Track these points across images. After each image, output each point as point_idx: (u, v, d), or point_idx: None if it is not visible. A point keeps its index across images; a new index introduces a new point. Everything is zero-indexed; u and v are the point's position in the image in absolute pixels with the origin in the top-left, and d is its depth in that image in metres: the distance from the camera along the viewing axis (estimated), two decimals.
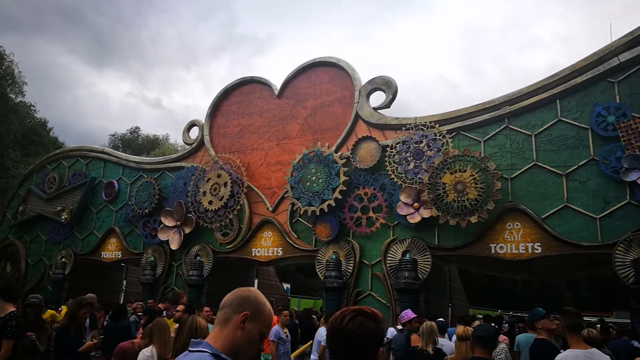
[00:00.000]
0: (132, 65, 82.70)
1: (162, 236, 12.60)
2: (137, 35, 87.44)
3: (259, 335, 1.65)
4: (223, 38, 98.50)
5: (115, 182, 14.46)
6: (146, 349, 3.99)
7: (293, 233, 11.11)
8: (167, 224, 12.53)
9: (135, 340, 4.63)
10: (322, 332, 7.15)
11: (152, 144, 43.22)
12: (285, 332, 7.36)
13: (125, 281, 16.66)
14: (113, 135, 43.74)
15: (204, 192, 12.06)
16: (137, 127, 45.29)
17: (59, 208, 15.09)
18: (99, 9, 79.29)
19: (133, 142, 42.79)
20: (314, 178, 10.59)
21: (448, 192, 8.90)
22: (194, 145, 13.30)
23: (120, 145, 41.76)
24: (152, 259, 12.77)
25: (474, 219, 8.56)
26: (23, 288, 15.09)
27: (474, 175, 8.82)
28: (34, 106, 28.54)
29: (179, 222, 12.37)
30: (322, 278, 10.25)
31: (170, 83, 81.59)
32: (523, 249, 8.61)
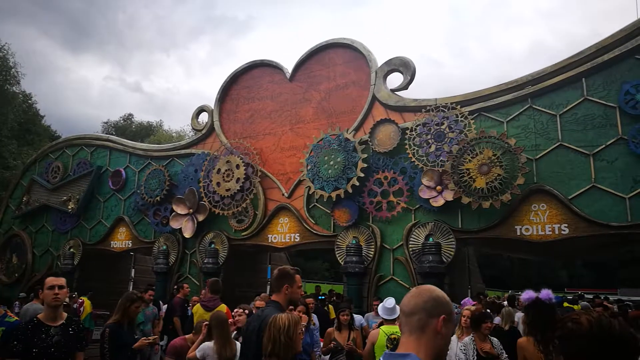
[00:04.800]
0: (110, 50, 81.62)
1: (174, 224, 12.41)
2: (113, 18, 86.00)
3: None
4: (202, 20, 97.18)
5: (123, 170, 14.19)
6: (209, 342, 3.85)
7: (310, 219, 10.97)
8: (179, 211, 12.34)
9: (187, 336, 4.49)
10: None
11: (145, 131, 42.73)
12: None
13: (133, 270, 16.47)
14: (106, 123, 43.26)
15: (217, 179, 11.85)
16: (130, 114, 44.78)
17: (64, 198, 14.81)
18: None
19: (127, 129, 42.21)
20: (331, 162, 10.41)
21: (474, 177, 8.77)
22: (203, 132, 13.02)
23: (114, 133, 41.19)
24: (164, 247, 12.59)
25: (506, 197, 8.45)
26: (30, 279, 14.90)
27: (496, 154, 8.70)
28: (30, 96, 27.91)
29: (191, 210, 12.17)
30: (342, 263, 10.14)
31: (150, 67, 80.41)
32: (549, 231, 8.54)
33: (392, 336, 4.76)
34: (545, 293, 4.24)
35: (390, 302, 5.25)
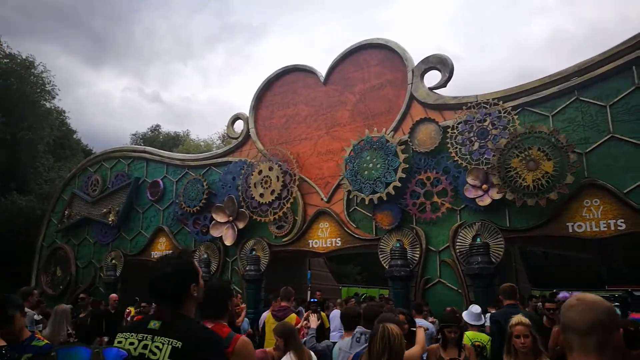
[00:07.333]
0: (128, 62, 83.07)
1: (214, 232, 12.47)
2: (131, 31, 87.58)
3: None
4: (217, 28, 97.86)
5: (160, 181, 14.36)
6: (285, 356, 3.78)
7: (351, 222, 10.87)
8: (218, 220, 12.39)
9: (267, 349, 4.43)
10: None
11: (173, 141, 43.29)
12: None
13: None
14: (134, 135, 44.05)
15: (255, 186, 11.86)
16: (157, 125, 45.47)
17: (104, 210, 15.07)
18: (92, 9, 79.46)
19: (154, 140, 42.88)
20: (370, 165, 10.29)
21: (521, 174, 8.53)
22: (239, 139, 13.07)
23: (142, 144, 41.81)
24: (205, 256, 12.66)
25: (553, 196, 8.20)
26: (75, 291, 15.19)
27: (544, 150, 8.45)
28: (63, 112, 28.58)
29: (231, 218, 12.21)
30: (387, 267, 10.00)
31: (168, 77, 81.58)
32: (604, 227, 8.23)
33: (477, 343, 4.58)
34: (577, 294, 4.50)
35: (476, 307, 5.14)
